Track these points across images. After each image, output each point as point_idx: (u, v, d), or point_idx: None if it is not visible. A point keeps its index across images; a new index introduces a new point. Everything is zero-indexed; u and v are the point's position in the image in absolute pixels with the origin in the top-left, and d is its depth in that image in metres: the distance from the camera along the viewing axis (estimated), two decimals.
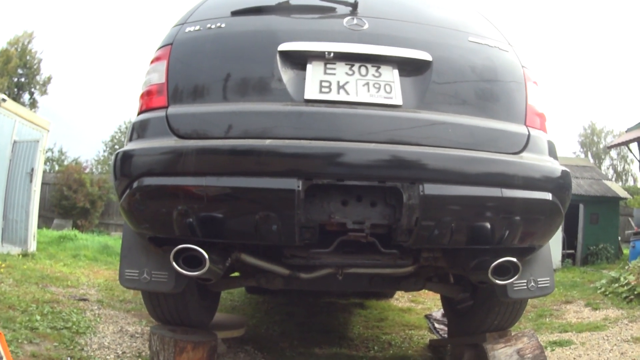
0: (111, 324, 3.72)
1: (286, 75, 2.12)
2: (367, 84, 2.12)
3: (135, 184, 2.01)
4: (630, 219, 14.76)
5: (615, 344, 3.73)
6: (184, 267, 1.98)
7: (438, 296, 4.66)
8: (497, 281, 2.08)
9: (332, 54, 2.15)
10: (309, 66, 2.15)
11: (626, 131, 13.18)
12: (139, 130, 2.18)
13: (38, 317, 3.44)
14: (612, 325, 4.37)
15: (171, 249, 1.97)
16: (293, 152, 1.94)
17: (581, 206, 11.68)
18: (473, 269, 2.23)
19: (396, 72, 2.17)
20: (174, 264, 1.97)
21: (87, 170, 18.75)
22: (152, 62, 2.31)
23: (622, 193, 12.96)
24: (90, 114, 48.71)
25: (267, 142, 1.94)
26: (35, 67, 25.30)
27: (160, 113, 2.12)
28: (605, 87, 59.24)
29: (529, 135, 2.21)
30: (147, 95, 2.23)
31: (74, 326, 3.43)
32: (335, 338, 3.86)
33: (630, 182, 32.98)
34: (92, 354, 3.01)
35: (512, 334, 2.76)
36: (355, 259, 2.30)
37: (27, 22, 47.14)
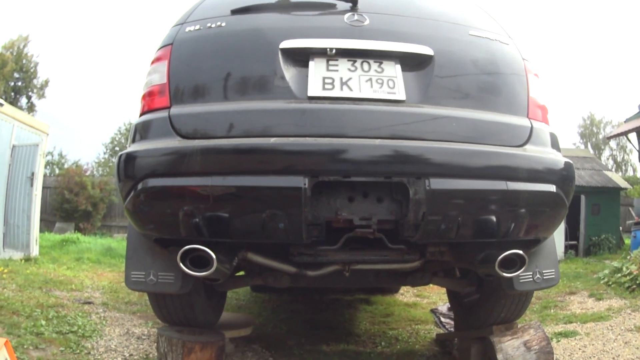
0: (117, 327, 3.73)
1: (288, 72, 2.12)
2: (370, 79, 2.12)
3: (139, 186, 2.00)
4: (630, 209, 14.78)
5: (620, 334, 3.74)
6: (191, 268, 1.97)
7: (443, 290, 4.67)
8: (504, 274, 2.08)
9: (334, 51, 2.14)
10: (311, 63, 2.14)
11: (625, 121, 13.20)
12: (141, 131, 2.17)
13: (43, 322, 3.44)
14: (616, 315, 4.38)
15: (177, 250, 1.96)
16: (298, 150, 1.94)
17: (583, 197, 11.68)
18: (480, 263, 2.22)
19: (398, 67, 2.17)
20: (181, 265, 1.96)
21: (88, 172, 18.73)
22: (152, 62, 2.30)
23: (623, 183, 12.94)
24: (88, 116, 48.68)
25: (272, 140, 1.93)
26: (32, 70, 25.21)
27: (163, 114, 2.12)
28: (603, 77, 59.23)
29: (531, 128, 2.22)
30: (149, 96, 2.22)
31: (79, 330, 3.44)
32: (342, 334, 3.87)
33: (630, 172, 32.99)
34: (99, 357, 3.02)
35: (519, 326, 2.77)
36: (362, 255, 2.30)
37: (22, 26, 46.92)
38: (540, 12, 59.86)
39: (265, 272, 2.63)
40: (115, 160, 2.13)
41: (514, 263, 2.07)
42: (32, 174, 7.57)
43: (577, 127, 39.78)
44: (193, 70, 2.20)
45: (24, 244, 7.44)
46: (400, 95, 2.10)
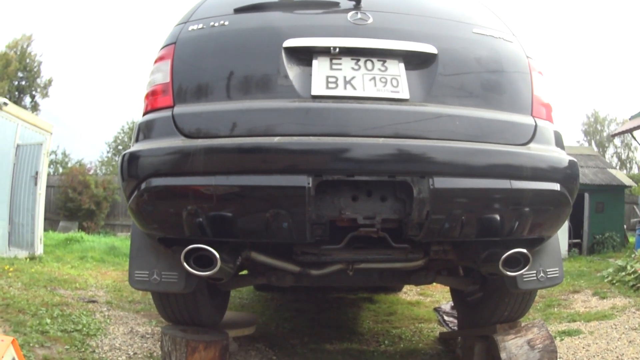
0: (121, 325, 3.74)
1: (292, 71, 2.12)
2: (374, 78, 2.12)
3: (143, 185, 2.00)
4: (635, 206, 14.77)
5: (624, 332, 3.73)
6: (195, 267, 1.97)
7: (446, 289, 4.67)
8: (508, 273, 2.07)
9: (337, 49, 2.13)
10: (314, 62, 2.14)
11: (630, 119, 13.13)
12: (144, 130, 2.17)
13: (48, 321, 3.46)
14: (620, 313, 4.38)
15: (181, 250, 1.97)
16: (302, 149, 1.93)
17: (586, 195, 11.66)
18: (483, 261, 2.22)
19: (402, 65, 2.16)
20: (184, 264, 1.96)
21: (92, 171, 18.74)
22: (155, 61, 2.30)
23: (627, 181, 12.91)
24: (92, 115, 48.80)
25: (276, 139, 1.93)
26: (35, 70, 25.31)
27: (166, 113, 2.11)
28: (608, 75, 59.08)
29: (535, 126, 2.21)
30: (152, 95, 2.22)
31: (84, 328, 3.45)
32: (346, 333, 3.87)
33: (635, 170, 32.97)
34: (103, 355, 3.03)
35: (522, 325, 2.77)
36: (366, 254, 2.30)
37: (25, 25, 47.12)
38: (544, 9, 59.68)
39: (268, 272, 2.63)
40: (118, 159, 2.13)
41: (518, 262, 2.07)
42: (36, 173, 7.60)
43: (581, 124, 39.79)
44: (196, 69, 2.20)
45: (29, 242, 7.48)
46: (404, 94, 2.09)
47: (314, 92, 2.07)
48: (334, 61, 2.15)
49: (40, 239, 7.66)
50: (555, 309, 4.91)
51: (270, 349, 3.37)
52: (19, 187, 7.51)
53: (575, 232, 11.55)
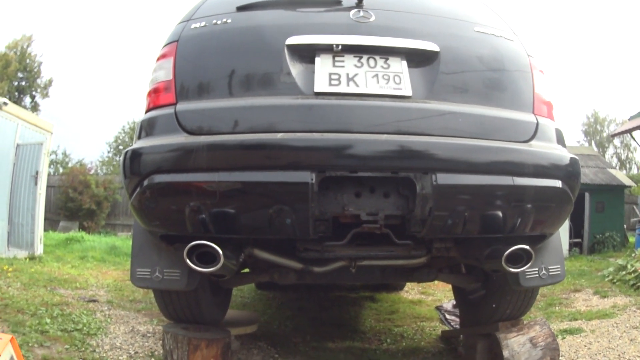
0: (122, 324, 3.73)
1: (295, 68, 2.12)
2: (377, 75, 2.12)
3: (145, 182, 2.00)
4: (634, 206, 14.77)
5: (625, 331, 3.73)
6: (197, 264, 1.97)
7: (448, 287, 4.67)
8: (511, 269, 2.08)
9: (340, 47, 2.14)
10: (317, 59, 2.15)
11: (629, 119, 13.14)
12: (147, 128, 2.17)
13: (48, 320, 3.44)
14: (621, 312, 4.38)
15: (183, 247, 1.96)
16: (306, 145, 1.94)
17: (587, 195, 11.67)
18: (486, 258, 2.23)
19: (404, 63, 2.17)
20: (187, 261, 1.96)
21: (92, 171, 18.72)
22: (158, 59, 2.30)
23: (627, 181, 12.93)
24: (92, 115, 48.70)
25: (279, 135, 1.93)
26: (35, 70, 25.29)
27: (169, 110, 2.12)
28: (607, 75, 59.06)
29: (537, 124, 2.22)
30: (155, 92, 2.22)
31: (84, 328, 3.44)
32: (348, 331, 3.87)
33: (634, 170, 32.97)
34: (104, 355, 3.02)
35: (524, 323, 2.77)
36: (369, 251, 2.30)
37: (25, 26, 47.10)
38: (545, 9, 59.73)
39: (271, 268, 2.63)
40: (121, 157, 2.13)
41: (520, 258, 2.08)
42: (37, 172, 7.59)
43: (581, 124, 39.77)
44: (199, 66, 2.20)
45: (29, 242, 7.47)
46: (407, 91, 2.10)
47: (316, 89, 2.08)
48: (337, 58, 2.15)
49: (40, 239, 7.66)
50: (557, 308, 4.91)
51: (272, 347, 3.36)
52: (19, 187, 7.50)
53: (575, 231, 11.56)
